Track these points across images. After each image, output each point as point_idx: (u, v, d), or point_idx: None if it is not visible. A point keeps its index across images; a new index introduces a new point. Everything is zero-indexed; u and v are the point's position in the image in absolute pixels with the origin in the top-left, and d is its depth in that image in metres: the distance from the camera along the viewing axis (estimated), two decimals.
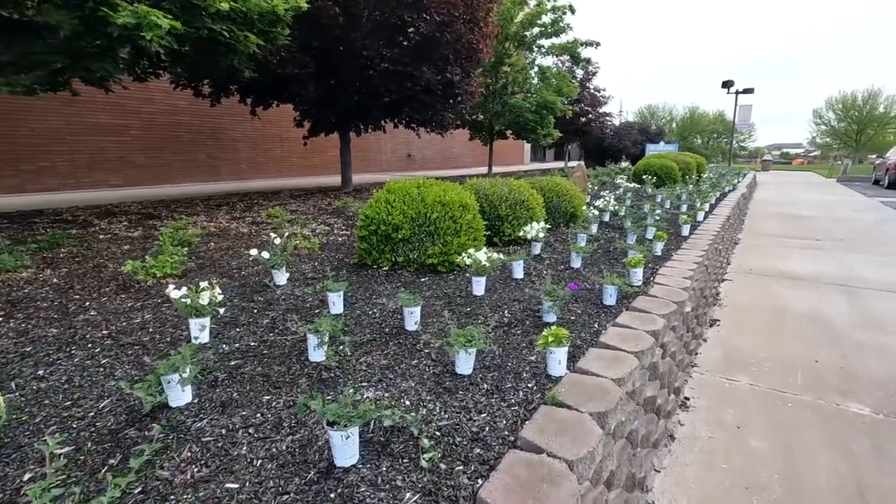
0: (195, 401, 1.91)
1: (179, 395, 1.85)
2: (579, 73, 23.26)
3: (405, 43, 7.83)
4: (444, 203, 3.93)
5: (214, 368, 2.20)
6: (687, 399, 2.97)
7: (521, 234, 4.63)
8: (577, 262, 4.14)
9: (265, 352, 2.38)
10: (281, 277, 3.59)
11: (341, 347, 2.33)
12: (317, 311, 2.98)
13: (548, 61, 18.27)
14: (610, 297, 3.17)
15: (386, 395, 1.98)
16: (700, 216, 7.14)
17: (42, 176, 10.59)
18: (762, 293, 5.19)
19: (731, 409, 2.85)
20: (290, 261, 4.31)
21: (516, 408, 1.90)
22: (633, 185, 10.05)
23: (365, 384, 2.06)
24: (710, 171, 18.43)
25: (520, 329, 2.74)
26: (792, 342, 3.84)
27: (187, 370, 1.82)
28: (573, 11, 13.98)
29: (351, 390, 1.97)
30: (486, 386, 2.07)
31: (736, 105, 27.74)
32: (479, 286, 3.34)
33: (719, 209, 8.44)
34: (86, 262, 4.23)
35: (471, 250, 3.31)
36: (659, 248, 4.75)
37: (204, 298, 2.39)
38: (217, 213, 7.42)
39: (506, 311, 3.02)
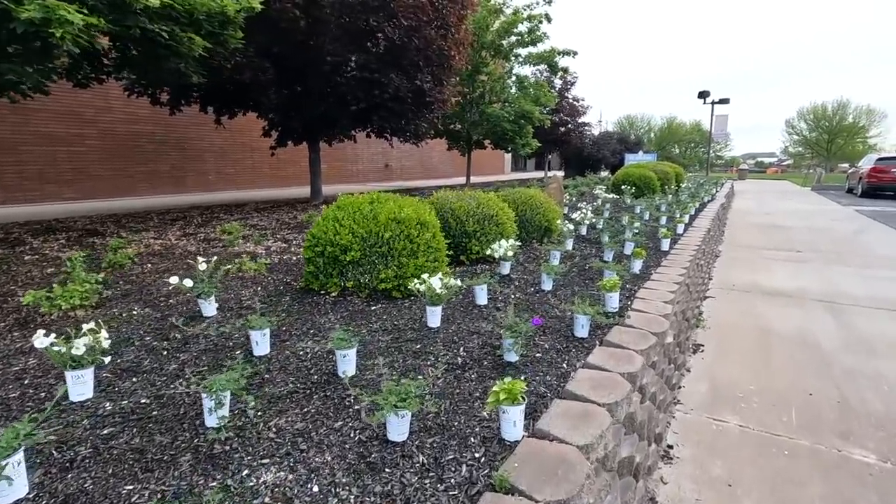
0: (31, 494, 1.45)
1: (5, 489, 1.39)
2: (558, 82, 23.22)
3: (373, 49, 7.45)
4: (399, 220, 3.52)
5: (81, 440, 1.74)
6: (670, 448, 2.59)
7: (489, 252, 4.24)
8: (548, 284, 3.76)
9: (155, 413, 1.92)
10: (209, 308, 3.12)
11: (247, 409, 1.88)
12: (239, 351, 2.53)
13: (526, 71, 18.15)
14: (582, 329, 2.78)
15: (290, 476, 1.54)
16: (680, 228, 6.87)
17: None
18: (746, 311, 4.88)
19: (719, 459, 2.47)
20: (230, 285, 3.85)
21: (455, 492, 1.48)
22: (611, 195, 9.80)
23: (267, 460, 1.62)
24: (688, 180, 18.42)
25: (475, 372, 2.33)
26: (781, 370, 3.51)
27: (14, 458, 1.36)
28: (549, 20, 13.83)
29: (246, 471, 1.53)
30: (421, 458, 1.65)
31: (712, 115, 28.05)
32: (433, 317, 2.92)
33: (699, 220, 8.20)
34: None
35: (425, 275, 2.90)
36: (637, 265, 4.40)
37: (78, 348, 1.93)
38: (169, 229, 6.89)
39: (461, 349, 2.60)
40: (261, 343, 2.47)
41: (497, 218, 4.77)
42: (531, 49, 14.99)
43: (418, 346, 2.62)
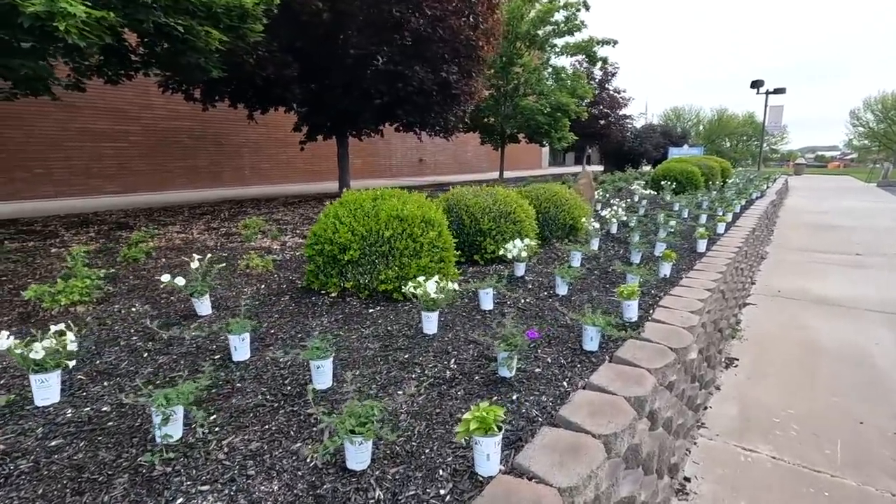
0: None
1: None
2: (598, 73, 22.41)
3: (398, 41, 7.28)
4: (401, 218, 3.33)
5: (27, 451, 1.64)
6: (687, 481, 2.29)
7: (501, 252, 3.99)
8: (562, 289, 3.48)
9: (110, 424, 1.81)
10: (203, 307, 3.04)
11: (196, 426, 1.73)
12: (220, 355, 2.41)
13: (564, 62, 17.57)
14: (591, 341, 2.51)
15: None
16: (721, 228, 6.36)
17: (37, 183, 10.40)
18: (791, 322, 4.42)
19: (745, 498, 2.15)
20: (235, 283, 3.78)
21: None
22: (648, 191, 9.27)
23: (207, 487, 1.46)
24: (736, 175, 17.35)
25: (462, 388, 2.11)
26: (827, 393, 3.10)
27: None
28: (588, 8, 13.26)
29: (181, 500, 1.38)
30: (378, 493, 1.45)
31: (766, 106, 26.37)
32: (429, 323, 2.72)
33: (744, 219, 7.61)
34: (7, 282, 3.77)
35: (421, 278, 2.69)
36: (666, 269, 4.04)
37: (37, 351, 1.84)
38: (196, 223, 6.99)
39: (454, 360, 2.39)
40: (239, 348, 2.34)
41: (514, 215, 4.51)
42: (568, 39, 14.45)
43: (407, 356, 2.42)
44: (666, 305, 3.12)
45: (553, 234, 5.50)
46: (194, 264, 3.06)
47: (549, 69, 15.11)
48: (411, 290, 2.68)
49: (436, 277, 2.71)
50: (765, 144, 38.48)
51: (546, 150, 29.74)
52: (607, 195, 8.78)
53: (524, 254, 3.83)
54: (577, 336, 2.66)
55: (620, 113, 22.84)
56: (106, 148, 11.40)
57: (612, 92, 22.46)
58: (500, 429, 1.55)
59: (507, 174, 21.98)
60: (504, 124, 14.69)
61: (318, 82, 8.25)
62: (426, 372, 2.24)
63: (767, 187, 14.97)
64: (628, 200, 8.01)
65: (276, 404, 1.96)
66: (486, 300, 3.13)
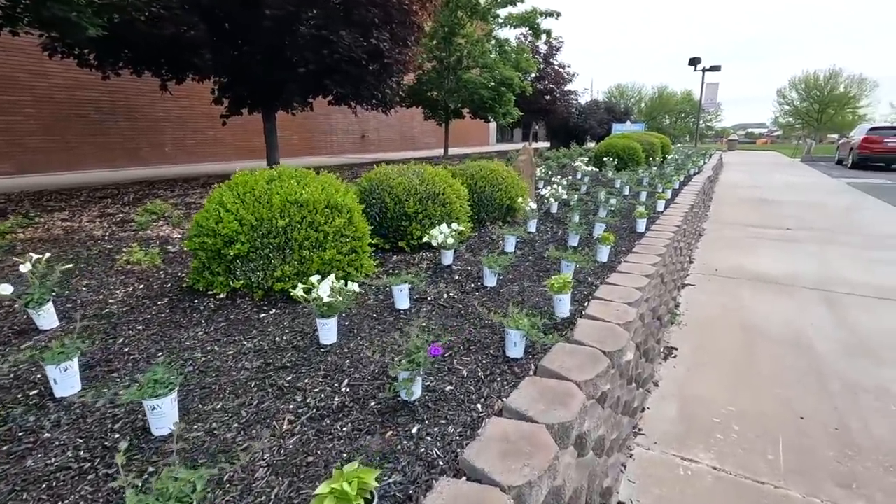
0: None
1: None
2: (543, 48, 22.11)
3: (321, 2, 6.54)
4: (300, 203, 2.81)
5: None
6: None
7: (425, 238, 3.55)
8: (490, 280, 3.10)
9: None
10: (45, 319, 2.43)
11: None
12: (36, 390, 1.85)
13: (509, 35, 17.11)
14: (514, 347, 2.14)
15: None
16: (660, 205, 6.22)
17: None
18: (730, 303, 4.29)
19: None
20: (108, 282, 3.15)
21: None
22: (591, 168, 9.09)
23: None
24: (676, 151, 17.72)
25: (350, 422, 1.68)
26: (768, 383, 2.92)
27: None
28: None
29: None
30: None
31: (703, 83, 27.15)
32: (326, 332, 2.25)
33: (683, 196, 7.56)
34: None
35: (314, 278, 2.21)
36: (604, 253, 3.75)
37: None
38: (90, 208, 6.09)
39: (347, 381, 1.95)
40: (61, 381, 1.79)
41: (444, 197, 4.07)
42: (511, 9, 13.95)
43: (290, 378, 1.95)
44: (602, 297, 2.80)
45: (489, 216, 5.13)
46: (24, 267, 2.43)
47: (493, 41, 14.60)
48: (300, 293, 2.20)
49: (331, 277, 2.24)
50: (701, 121, 39.97)
51: (494, 126, 29.40)
52: (549, 172, 8.52)
53: (450, 240, 3.41)
54: (502, 339, 2.29)
55: (566, 88, 22.74)
56: None
57: (556, 67, 22.26)
58: (370, 499, 1.13)
59: (454, 150, 21.49)
60: (447, 99, 14.12)
61: (237, 48, 7.40)
62: (308, 400, 1.79)
63: (704, 163, 15.33)
64: (570, 178, 7.77)
65: (87, 465, 1.45)
66: (402, 298, 2.69)
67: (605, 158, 10.72)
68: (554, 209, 5.99)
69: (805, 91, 52.61)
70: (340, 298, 2.25)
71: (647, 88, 66.34)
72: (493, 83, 14.06)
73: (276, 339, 2.31)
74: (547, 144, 27.50)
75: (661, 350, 3.29)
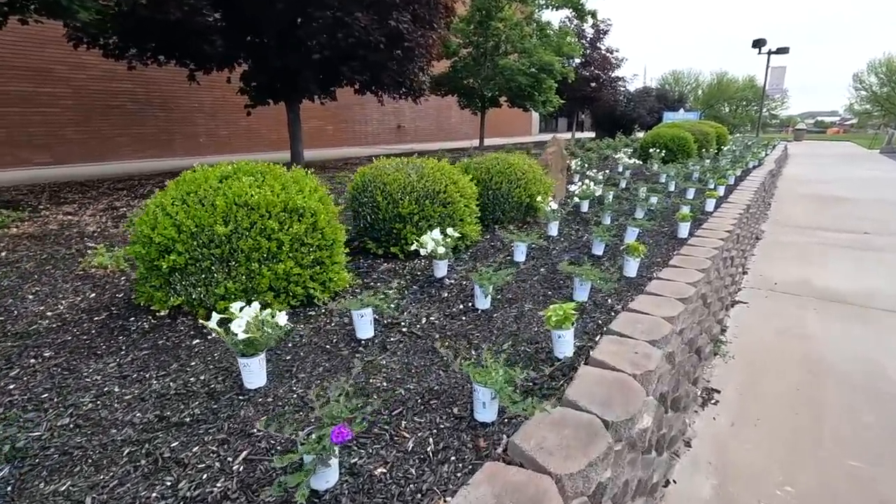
0: None
1: None
2: (589, 31, 20.86)
3: None
4: (250, 206, 2.35)
5: None
6: None
7: (414, 246, 3.02)
8: (482, 301, 2.54)
9: None
10: None
11: None
12: None
13: (552, 17, 16.18)
14: (483, 409, 1.59)
15: None
16: (709, 205, 5.40)
17: None
18: (790, 329, 3.52)
19: None
20: (60, 289, 2.83)
21: None
22: (633, 161, 8.23)
23: None
24: (734, 142, 16.25)
25: None
26: (839, 450, 2.22)
27: None
28: None
29: None
30: None
31: (768, 67, 24.92)
32: (250, 373, 1.78)
33: (739, 192, 6.64)
34: None
35: (235, 305, 1.74)
36: (632, 267, 3.10)
37: None
38: (101, 200, 5.97)
39: (245, 454, 1.46)
40: None
41: (445, 195, 3.52)
42: None
43: (178, 443, 1.49)
44: (619, 331, 2.19)
45: (506, 216, 4.54)
46: None
47: (533, 25, 13.75)
48: (214, 325, 1.73)
49: (256, 305, 1.76)
50: (764, 109, 37.01)
51: (536, 115, 28.31)
52: (586, 165, 7.75)
53: (441, 249, 2.87)
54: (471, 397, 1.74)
55: (613, 75, 21.38)
56: (32, 114, 10.17)
57: (604, 52, 20.93)
58: None
59: (492, 141, 20.76)
60: (483, 87, 13.44)
61: (250, 34, 7.09)
62: (182, 483, 1.32)
63: (766, 154, 13.93)
64: (606, 172, 7.01)
65: None
66: (364, 326, 2.19)
67: (650, 150, 9.78)
68: (584, 208, 5.31)
69: (886, 75, 47.75)
70: (269, 331, 1.77)
71: (704, 75, 62.45)
72: (532, 69, 13.25)
73: (194, 377, 1.86)
74: (592, 134, 26.18)
75: (699, 393, 2.63)
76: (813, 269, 4.91)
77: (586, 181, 5.49)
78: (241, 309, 1.76)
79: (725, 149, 12.47)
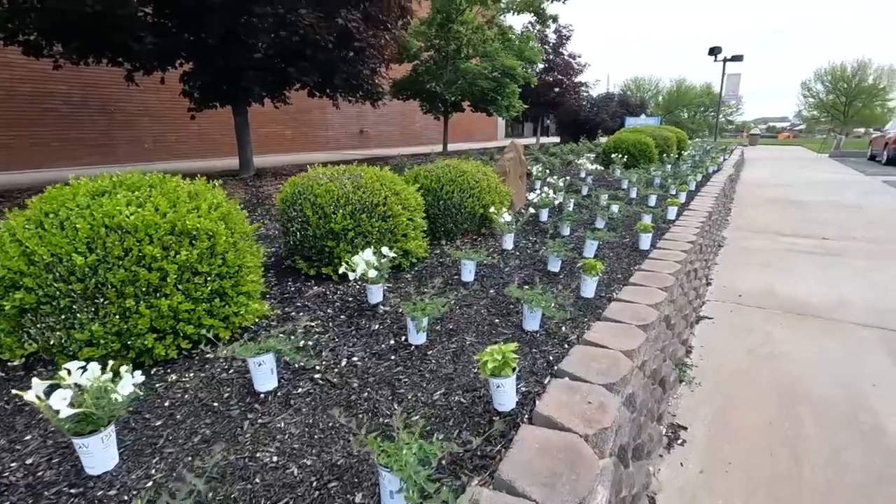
0: None
1: None
2: (552, 36, 20.93)
3: None
4: (124, 230, 1.91)
5: None
6: None
7: (342, 269, 2.62)
8: (416, 336, 2.17)
9: None
10: None
11: None
12: None
13: (515, 23, 16.04)
14: (391, 501, 1.22)
15: None
16: (672, 213, 5.21)
17: None
18: (760, 347, 3.29)
19: None
20: None
21: None
22: (594, 167, 8.05)
23: None
24: (693, 147, 16.49)
25: None
26: (820, 498, 1.94)
27: None
28: None
29: None
30: None
31: (723, 74, 25.65)
32: (88, 456, 1.35)
33: (700, 199, 6.52)
34: None
35: (72, 364, 1.31)
36: (590, 287, 2.79)
37: None
38: None
39: None
40: None
41: (384, 208, 3.14)
42: None
43: None
44: (571, 372, 1.86)
45: (459, 228, 4.19)
46: None
47: (495, 29, 13.54)
48: (32, 397, 1.30)
49: (95, 367, 1.34)
50: (721, 115, 38.20)
51: (502, 120, 28.25)
52: (548, 171, 7.51)
53: (372, 272, 2.49)
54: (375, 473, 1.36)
55: (576, 80, 21.49)
56: None
57: (566, 57, 21.01)
58: None
59: (457, 146, 20.50)
60: (445, 91, 13.13)
61: (192, 32, 6.54)
62: None
63: (724, 160, 14.14)
64: (567, 178, 6.78)
65: None
66: (263, 375, 1.78)
67: (613, 155, 9.68)
68: (544, 217, 5.04)
69: (832, 83, 50.36)
70: (118, 398, 1.35)
71: (664, 81, 64.19)
72: (494, 73, 13.03)
73: (18, 462, 1.42)
74: (557, 139, 26.30)
75: (664, 432, 2.33)
76: (777, 276, 4.76)
77: (545, 189, 5.21)
78: (82, 370, 1.33)
79: (686, 154, 12.56)
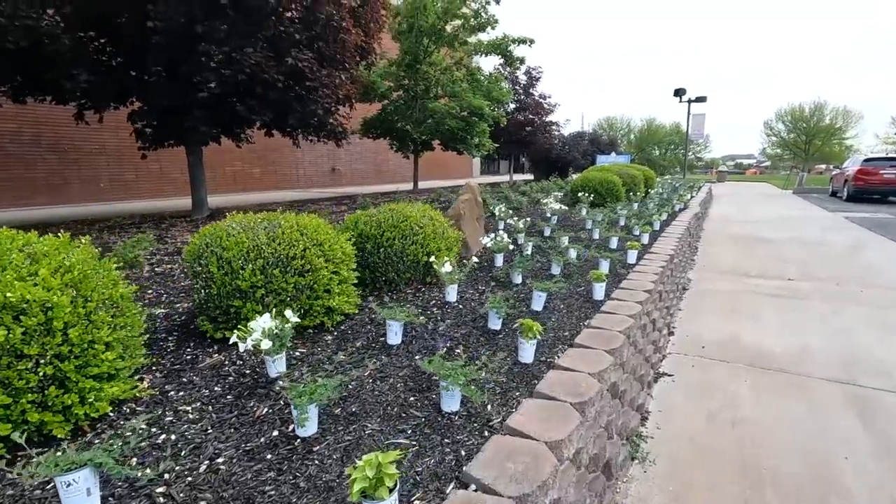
0: None
1: None
2: (523, 78, 21.42)
3: (217, 10, 5.44)
4: None
5: None
6: None
7: (234, 337, 2.25)
8: (305, 426, 1.79)
9: None
10: None
11: None
12: None
13: (485, 65, 16.36)
14: None
15: None
16: (632, 256, 4.98)
17: None
18: (722, 412, 2.99)
19: None
20: None
21: None
22: (559, 206, 7.89)
23: None
24: (662, 184, 16.70)
25: None
26: None
27: None
28: (498, 1, 11.96)
29: None
30: None
31: (689, 114, 26.56)
32: None
33: (663, 240, 6.35)
34: None
35: None
36: (528, 351, 2.47)
37: None
38: None
39: None
40: None
41: (302, 262, 2.80)
42: (480, 36, 13.10)
43: None
44: (479, 478, 1.50)
45: (402, 277, 3.86)
46: None
47: (464, 70, 13.69)
48: None
49: None
50: (690, 153, 39.48)
51: (476, 158, 28.52)
52: (510, 212, 7.30)
53: (265, 344, 2.12)
54: None
55: (547, 119, 21.90)
56: None
57: (537, 98, 21.47)
58: None
59: (434, 183, 20.46)
60: (415, 130, 13.08)
61: (133, 68, 6.28)
62: None
63: (692, 196, 14.28)
64: (527, 220, 6.57)
65: None
66: (76, 500, 1.37)
67: (580, 194, 9.58)
68: (499, 262, 4.75)
69: (791, 122, 52.76)
70: None
71: (636, 121, 66.59)
72: (462, 113, 13.08)
73: None
74: (531, 177, 26.57)
75: None
76: (742, 323, 4.52)
77: (500, 232, 4.95)
78: None
79: (653, 192, 12.62)
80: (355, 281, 3.25)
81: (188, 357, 2.51)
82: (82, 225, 7.60)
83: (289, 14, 6.00)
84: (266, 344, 2.10)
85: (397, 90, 13.49)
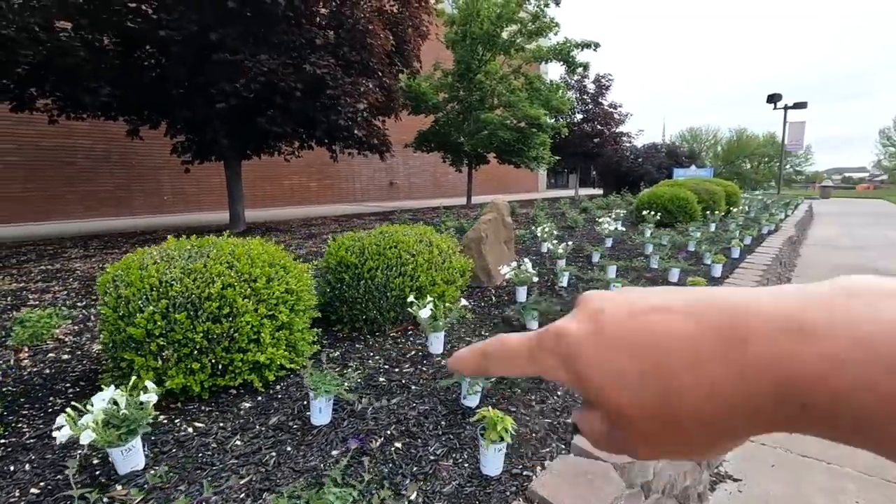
0: None
1: None
2: (591, 87, 20.13)
3: (232, 14, 5.13)
4: None
5: None
6: None
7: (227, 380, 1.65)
8: None
9: None
10: None
11: None
12: None
13: (553, 73, 15.48)
14: None
15: None
16: None
17: None
18: None
19: None
20: None
21: None
22: (614, 227, 6.80)
23: None
24: (750, 201, 14.69)
25: None
26: None
27: None
28: (558, 3, 11.08)
29: None
30: None
31: (785, 122, 23.70)
32: None
33: (744, 271, 5.13)
34: None
35: None
36: (492, 461, 1.64)
37: None
38: None
39: None
40: None
41: (220, 304, 2.17)
42: (540, 42, 12.27)
43: None
44: None
45: (385, 317, 3.15)
46: None
47: (522, 78, 12.90)
48: None
49: None
50: (788, 166, 35.48)
51: (543, 172, 27.34)
52: (554, 232, 6.35)
53: (86, 436, 1.48)
54: None
55: (616, 130, 20.38)
56: None
57: (606, 107, 20.06)
58: None
59: (493, 197, 19.67)
60: (466, 142, 12.45)
61: (153, 81, 6.19)
62: None
63: (786, 216, 12.33)
64: (570, 242, 5.61)
65: None
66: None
67: (644, 212, 8.38)
68: (521, 296, 3.92)
69: None
70: None
71: (723, 131, 61.62)
72: (514, 123, 12.26)
73: None
74: (600, 191, 24.95)
75: None
76: None
77: (524, 259, 4.09)
78: None
79: (736, 210, 10.98)
80: (307, 325, 2.58)
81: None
82: (120, 238, 7.68)
83: (305, 17, 5.59)
84: (87, 437, 1.46)
85: (451, 101, 12.96)
